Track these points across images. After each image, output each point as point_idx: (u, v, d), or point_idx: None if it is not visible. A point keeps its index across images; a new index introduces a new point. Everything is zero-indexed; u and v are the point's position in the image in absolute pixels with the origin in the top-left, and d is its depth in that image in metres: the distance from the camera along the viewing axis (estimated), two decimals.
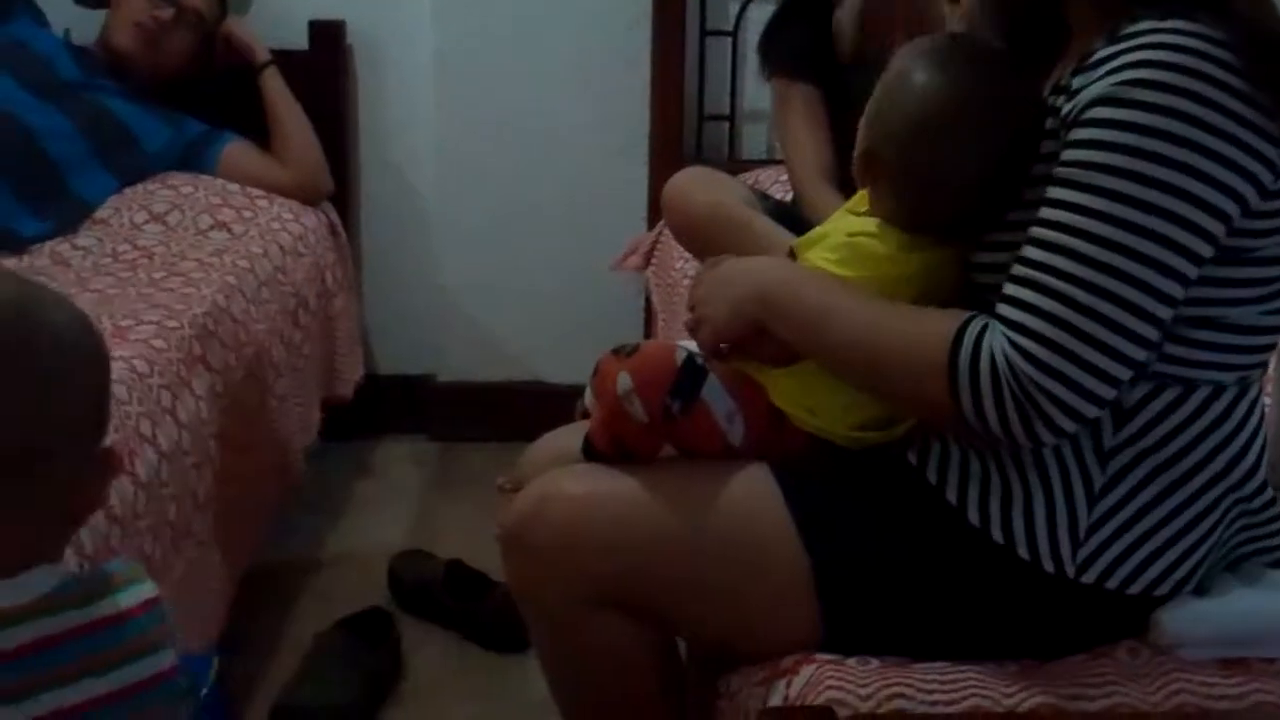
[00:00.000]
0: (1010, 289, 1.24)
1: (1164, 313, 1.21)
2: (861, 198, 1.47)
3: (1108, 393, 1.22)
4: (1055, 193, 1.23)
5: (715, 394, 1.42)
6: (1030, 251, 1.24)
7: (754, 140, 3.14)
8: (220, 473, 2.06)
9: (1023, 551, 1.29)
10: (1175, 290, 1.21)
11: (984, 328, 1.25)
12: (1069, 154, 1.23)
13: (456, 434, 3.16)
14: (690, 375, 1.40)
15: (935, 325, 1.29)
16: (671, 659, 1.45)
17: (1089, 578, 1.30)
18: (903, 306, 1.34)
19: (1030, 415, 1.22)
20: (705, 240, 1.93)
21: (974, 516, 1.31)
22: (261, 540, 2.34)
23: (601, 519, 1.38)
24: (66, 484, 1.01)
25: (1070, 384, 1.21)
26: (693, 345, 1.48)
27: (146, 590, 1.05)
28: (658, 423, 1.39)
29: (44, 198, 2.48)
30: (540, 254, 3.14)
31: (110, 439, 1.04)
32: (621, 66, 3.02)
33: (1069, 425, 1.23)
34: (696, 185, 2.03)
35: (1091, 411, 1.23)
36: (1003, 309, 1.24)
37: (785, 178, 2.63)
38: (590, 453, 1.46)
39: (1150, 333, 1.21)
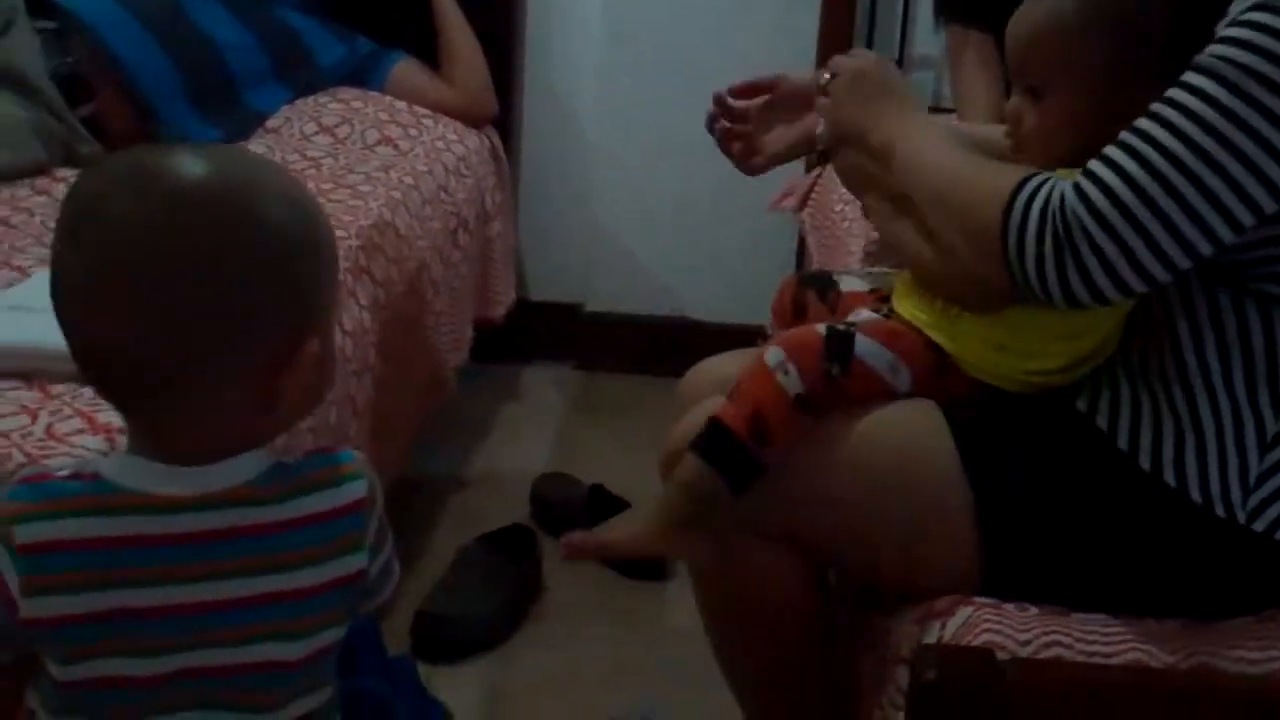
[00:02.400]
0: (1104, 149, 1.23)
1: (1243, 216, 1.18)
2: None
3: (1159, 271, 1.20)
4: (1185, 75, 1.21)
5: (869, 349, 1.41)
6: (1139, 120, 1.22)
7: (921, 87, 3.09)
8: (377, 383, 2.10)
9: (1195, 494, 1.27)
10: (1264, 200, 1.18)
11: (1056, 177, 1.25)
12: (1213, 47, 1.21)
13: (601, 363, 3.18)
14: (838, 339, 1.41)
15: (1020, 171, 1.28)
16: (823, 592, 1.45)
17: (1260, 525, 1.27)
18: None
19: (1067, 261, 1.21)
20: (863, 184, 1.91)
21: (1145, 461, 1.29)
22: (410, 454, 2.39)
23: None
24: (267, 371, 0.99)
25: (1120, 244, 1.19)
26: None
27: (362, 488, 1.06)
28: (818, 389, 1.38)
29: (219, 106, 2.54)
30: (695, 190, 3.13)
31: (313, 344, 1.02)
32: (789, 6, 2.99)
33: (1108, 286, 1.21)
34: None
35: (1134, 281, 1.21)
36: (1088, 163, 1.23)
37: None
38: (716, 439, 1.42)
39: (1224, 232, 1.19)
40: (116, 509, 0.98)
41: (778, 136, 1.92)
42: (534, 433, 2.88)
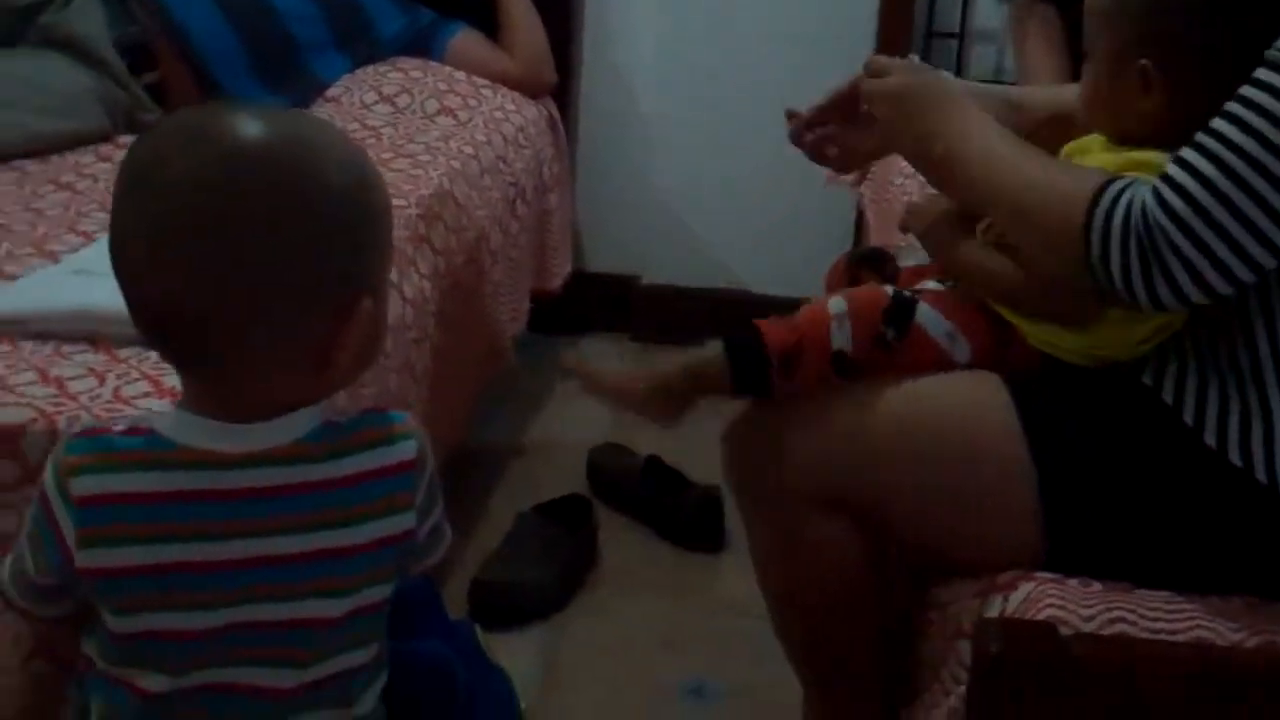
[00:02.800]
0: (1180, 151, 1.22)
1: None
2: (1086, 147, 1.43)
3: (1241, 271, 1.19)
4: (1259, 71, 1.19)
5: (929, 317, 1.41)
6: (1214, 120, 1.20)
7: (983, 60, 3.06)
8: (437, 351, 2.11)
9: (1261, 475, 1.25)
10: None
11: (1136, 182, 1.24)
12: None
13: (658, 336, 3.18)
14: (901, 305, 1.41)
15: (1095, 176, 1.27)
16: (883, 565, 1.44)
17: None
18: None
19: (1153, 269, 1.20)
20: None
21: (1211, 439, 1.27)
22: (468, 422, 2.40)
23: (829, 416, 1.39)
24: (321, 331, 1.00)
25: (1202, 247, 1.18)
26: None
27: (412, 449, 1.07)
28: (865, 350, 1.39)
29: (280, 75, 2.55)
30: (753, 163, 3.12)
31: (367, 305, 1.02)
32: None
33: (1193, 290, 1.20)
34: None
35: (1219, 284, 1.20)
36: (1167, 166, 1.22)
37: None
38: (745, 350, 1.43)
39: None
40: (170, 464, 1.00)
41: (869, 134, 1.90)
42: (590, 404, 2.85)
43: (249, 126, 0.99)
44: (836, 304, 1.40)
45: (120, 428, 1.03)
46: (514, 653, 2.00)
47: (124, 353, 1.52)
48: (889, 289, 1.43)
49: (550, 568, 2.16)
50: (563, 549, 2.22)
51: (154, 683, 1.02)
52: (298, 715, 1.05)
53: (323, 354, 1.00)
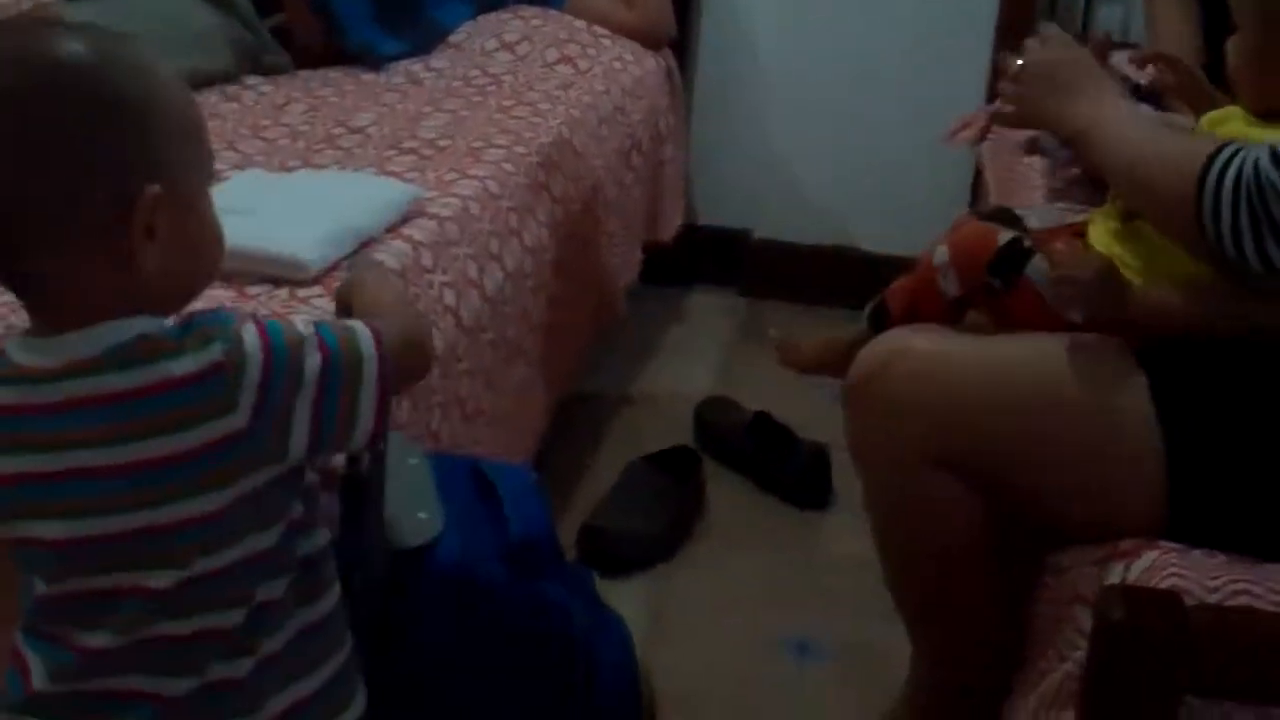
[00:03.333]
0: None
1: None
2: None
3: None
4: None
5: (1042, 275, 1.39)
6: None
7: (1109, 18, 3.00)
8: (552, 299, 2.12)
9: None
10: None
11: (1250, 145, 1.23)
12: None
13: (767, 291, 3.17)
14: (1011, 254, 1.39)
15: (1210, 142, 1.27)
16: (1000, 528, 1.43)
17: None
18: None
19: (1263, 228, 1.19)
20: None
21: None
22: (578, 371, 2.41)
23: (952, 377, 1.38)
24: (105, 228, 1.00)
25: None
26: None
27: (217, 352, 1.01)
28: (976, 297, 1.38)
29: (404, 21, 2.57)
30: (869, 119, 3.10)
31: (153, 189, 1.01)
32: None
33: None
34: None
35: None
36: None
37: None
38: (879, 318, 1.46)
39: None
40: (2, 379, 1.02)
41: None
42: (698, 357, 2.89)
43: (34, 34, 1.03)
44: (940, 254, 1.42)
45: None
46: (620, 601, 1.98)
47: (253, 289, 1.56)
48: (1002, 236, 1.40)
49: (658, 518, 2.17)
50: (670, 500, 2.23)
51: (40, 588, 1.05)
52: (193, 609, 1.04)
53: (118, 254, 1.01)
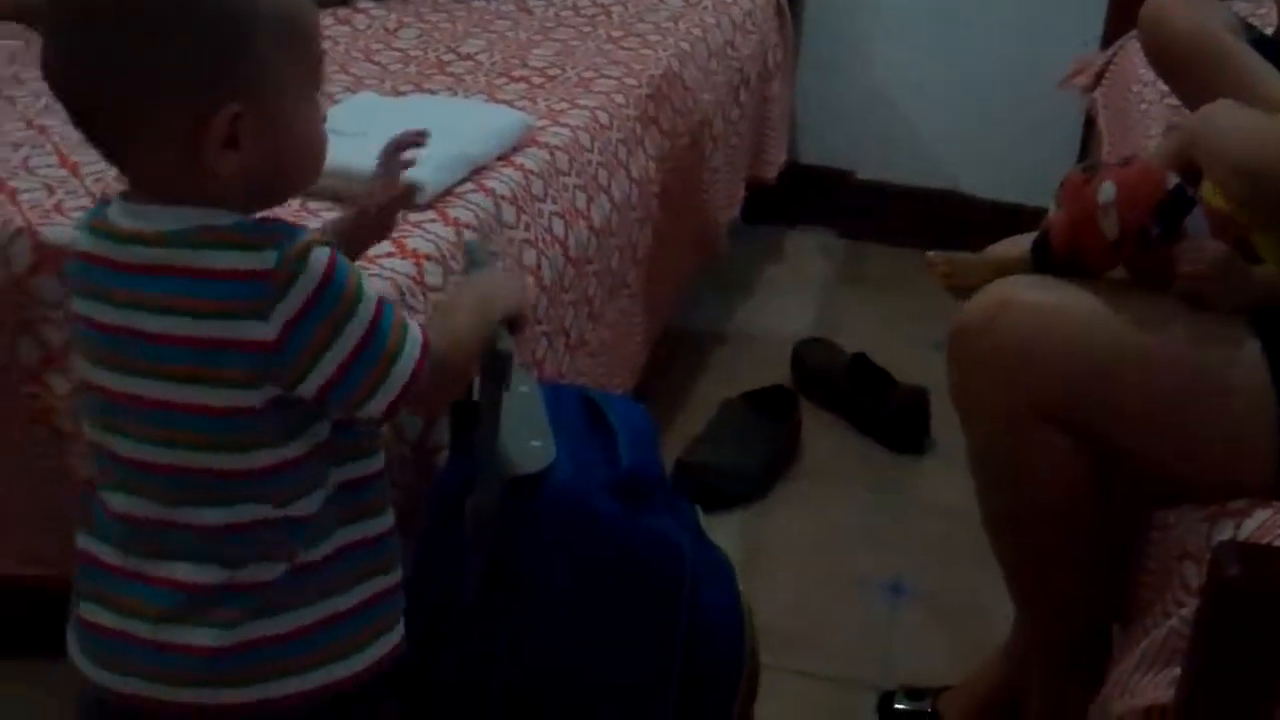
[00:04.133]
0: None
1: None
2: None
3: None
4: None
5: (1198, 227, 1.35)
6: None
7: None
8: (656, 233, 2.12)
9: None
10: None
11: None
12: None
13: (867, 233, 3.15)
14: (1178, 203, 1.33)
15: None
16: (1105, 483, 1.42)
17: None
18: None
19: None
20: (1183, 66, 1.83)
21: None
22: (677, 306, 2.41)
23: (1060, 330, 1.35)
24: (181, 127, 1.01)
25: None
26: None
27: (271, 259, 1.01)
28: (1130, 242, 1.34)
29: None
30: (980, 61, 3.05)
31: (230, 109, 1.02)
32: None
33: None
34: (1179, 6, 1.91)
35: None
36: None
37: (1264, 10, 2.45)
38: (1042, 252, 1.42)
39: None
40: (93, 230, 1.07)
41: None
42: (797, 297, 2.88)
43: None
44: (1105, 191, 1.34)
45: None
46: (715, 537, 2.01)
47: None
48: (1173, 176, 1.35)
49: (754, 455, 2.18)
50: (766, 439, 2.23)
51: (93, 433, 1.08)
52: (219, 499, 1.06)
53: (189, 151, 1.02)
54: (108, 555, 1.08)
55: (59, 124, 1.72)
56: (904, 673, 1.79)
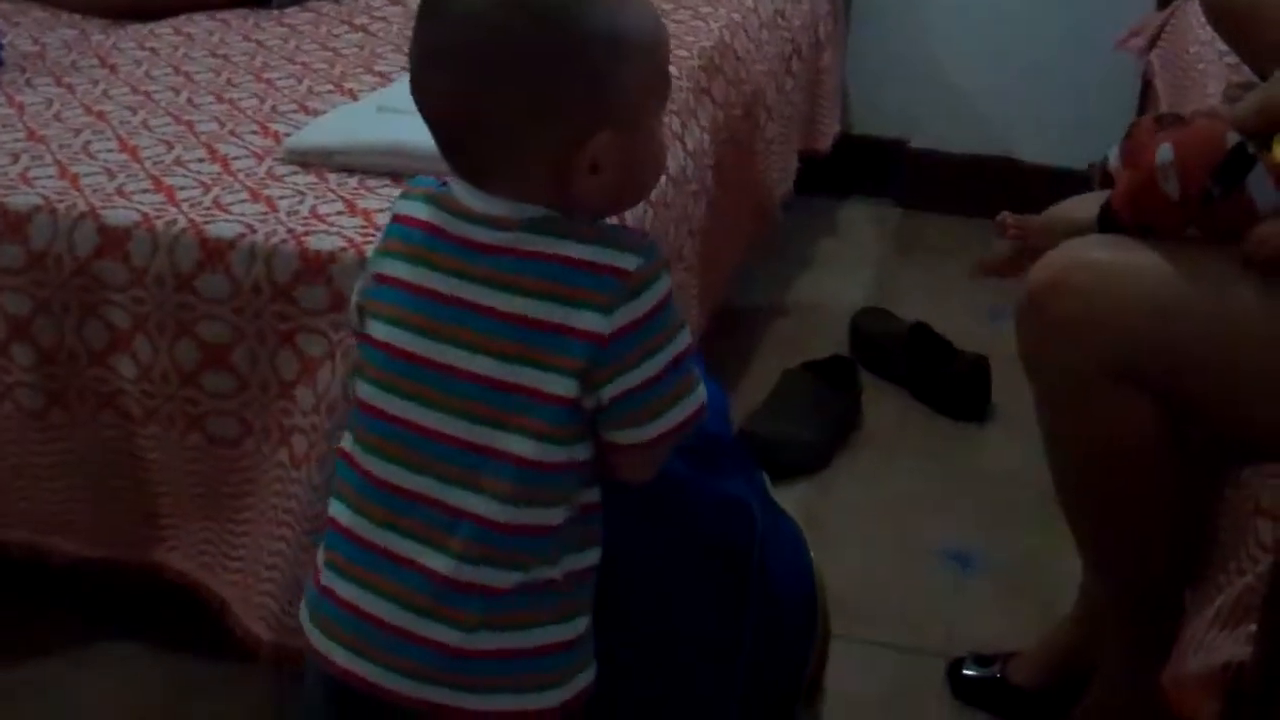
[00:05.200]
0: None
1: None
2: None
3: None
4: None
5: (1260, 185, 1.32)
6: None
7: None
8: (711, 205, 2.11)
9: None
10: None
11: None
12: None
13: (922, 203, 3.12)
14: (1238, 161, 1.31)
15: None
16: (1179, 441, 1.40)
17: None
18: None
19: None
20: (1245, 23, 1.80)
21: None
22: (733, 278, 2.41)
23: (1130, 290, 1.34)
24: (559, 152, 1.05)
25: None
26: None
27: (632, 262, 1.04)
28: (1193, 203, 1.32)
29: None
30: (1033, 25, 3.01)
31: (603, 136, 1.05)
32: None
33: None
34: None
35: None
36: None
37: None
38: (1107, 220, 1.40)
39: None
40: (438, 203, 1.10)
41: None
42: (854, 267, 2.86)
43: None
44: (1163, 153, 1.32)
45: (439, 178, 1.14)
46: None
47: None
48: (1232, 136, 1.32)
49: (815, 425, 2.17)
50: (827, 408, 2.22)
51: (371, 394, 1.10)
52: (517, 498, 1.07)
53: (561, 173, 1.06)
54: (358, 525, 1.10)
55: (117, 109, 1.74)
56: (971, 640, 1.78)
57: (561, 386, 1.04)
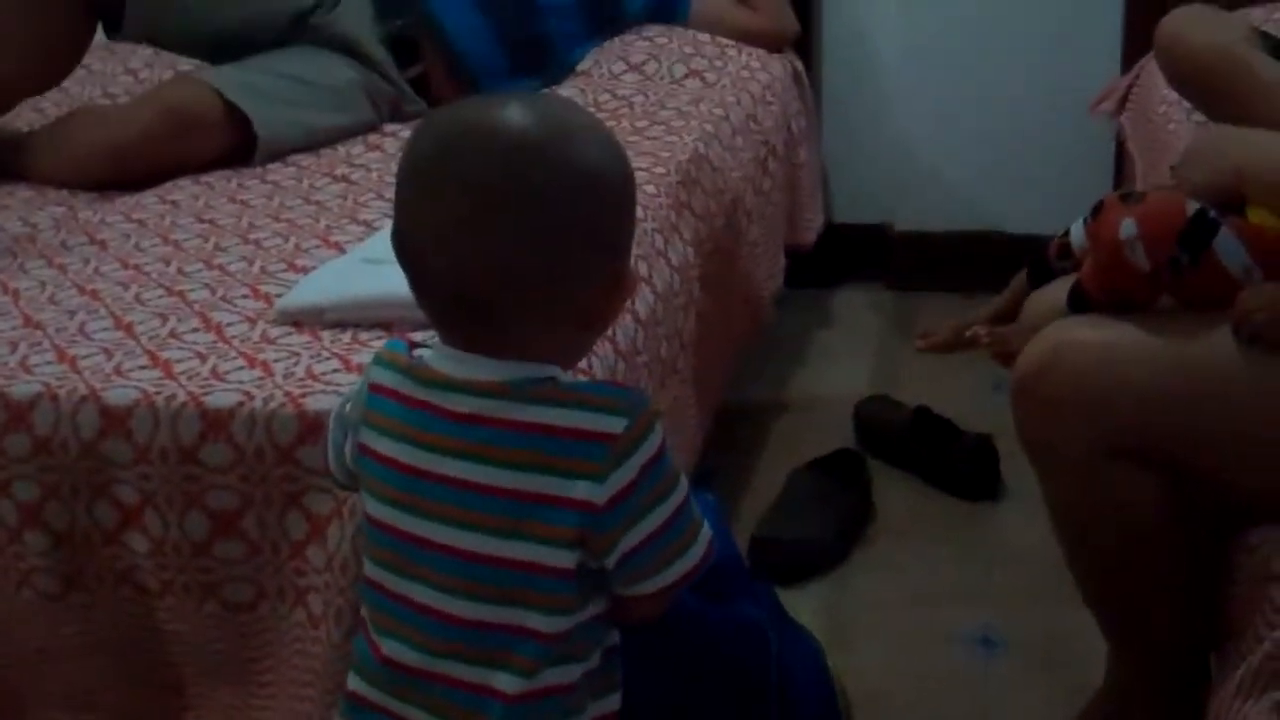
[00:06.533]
0: None
1: None
2: None
3: None
4: None
5: (1229, 247, 1.35)
6: None
7: None
8: (700, 315, 2.13)
9: None
10: None
11: None
12: None
13: (914, 283, 3.15)
14: (1201, 227, 1.34)
15: None
16: (1186, 511, 1.41)
17: None
18: None
19: None
20: (1204, 85, 1.83)
21: None
22: (731, 381, 2.42)
23: (1121, 366, 1.35)
24: (591, 300, 1.08)
25: None
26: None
27: (619, 425, 1.04)
28: (1162, 273, 1.34)
29: (535, 68, 2.62)
30: (1003, 98, 3.07)
31: (632, 259, 1.09)
32: None
33: None
34: (1194, 25, 1.91)
35: None
36: None
37: (1278, 15, 2.46)
38: (1078, 300, 1.43)
39: None
40: (412, 373, 1.10)
41: None
42: (851, 356, 2.88)
43: (513, 123, 1.06)
44: (1126, 227, 1.35)
45: (413, 336, 1.17)
46: (797, 609, 1.99)
47: (418, 337, 1.58)
48: (1191, 205, 1.36)
49: (828, 523, 2.17)
50: (838, 504, 2.22)
51: (375, 572, 1.11)
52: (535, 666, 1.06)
53: (586, 318, 1.09)
54: (376, 698, 1.10)
55: (109, 286, 1.77)
56: None
57: (560, 558, 1.04)
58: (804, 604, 2.04)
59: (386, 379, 1.11)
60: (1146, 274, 1.35)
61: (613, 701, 1.11)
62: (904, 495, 2.36)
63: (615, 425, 1.03)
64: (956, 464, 2.33)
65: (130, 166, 2.22)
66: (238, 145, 2.29)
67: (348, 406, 1.18)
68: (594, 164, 1.07)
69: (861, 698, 1.69)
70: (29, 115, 2.51)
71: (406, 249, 1.08)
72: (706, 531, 1.09)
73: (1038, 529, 1.65)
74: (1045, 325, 1.45)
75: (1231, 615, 1.37)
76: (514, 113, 1.06)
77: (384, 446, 1.09)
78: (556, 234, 1.04)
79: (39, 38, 2.37)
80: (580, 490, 1.03)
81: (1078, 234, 1.57)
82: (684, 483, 1.08)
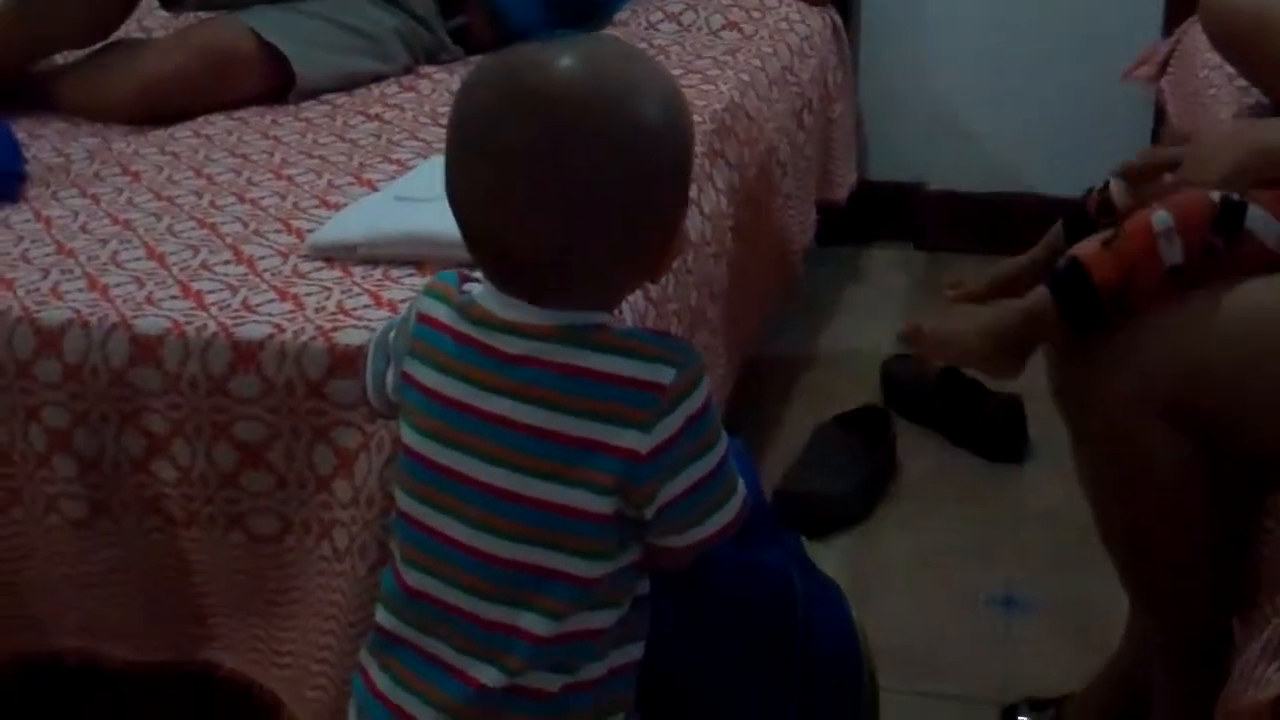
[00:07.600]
0: None
1: None
2: None
3: None
4: None
5: (1259, 221, 1.34)
6: None
7: None
8: (732, 266, 2.12)
9: None
10: None
11: None
12: None
13: (945, 243, 3.13)
14: (1231, 210, 1.34)
15: None
16: (1219, 473, 1.40)
17: None
18: None
19: None
20: (1249, 45, 1.82)
21: None
22: (759, 336, 2.41)
23: (1159, 322, 1.34)
24: (652, 253, 1.07)
25: None
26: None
27: (669, 375, 1.03)
28: (1194, 262, 1.33)
29: (579, 18, 2.59)
30: (1041, 59, 3.04)
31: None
32: None
33: None
34: None
35: None
36: None
37: None
38: (1074, 285, 1.39)
39: None
40: (462, 308, 1.09)
41: None
42: (880, 314, 2.87)
43: (568, 84, 1.01)
44: (1161, 219, 1.34)
45: (468, 275, 1.14)
46: (820, 563, 1.99)
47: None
48: (1215, 195, 1.36)
49: (852, 478, 2.17)
50: (863, 460, 2.22)
51: (408, 504, 1.10)
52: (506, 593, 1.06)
53: (636, 274, 1.09)
54: (403, 631, 1.10)
55: (142, 216, 1.77)
56: (1025, 684, 1.77)
57: (600, 504, 1.03)
58: (827, 558, 2.04)
59: (438, 311, 1.10)
60: (1167, 271, 1.34)
61: (635, 650, 1.11)
62: (930, 453, 2.35)
63: (665, 375, 1.02)
64: (983, 424, 2.32)
65: (162, 103, 2.22)
66: (273, 87, 2.28)
67: (391, 334, 1.18)
68: (653, 126, 1.03)
69: (882, 653, 1.69)
70: None
71: (457, 202, 1.07)
72: (743, 490, 1.09)
73: (1063, 491, 1.65)
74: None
75: (1258, 579, 1.36)
76: (569, 72, 1.02)
77: (429, 379, 1.08)
78: (613, 205, 1.02)
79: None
80: (628, 438, 1.02)
81: (1120, 191, 1.56)
82: (725, 440, 1.07)
